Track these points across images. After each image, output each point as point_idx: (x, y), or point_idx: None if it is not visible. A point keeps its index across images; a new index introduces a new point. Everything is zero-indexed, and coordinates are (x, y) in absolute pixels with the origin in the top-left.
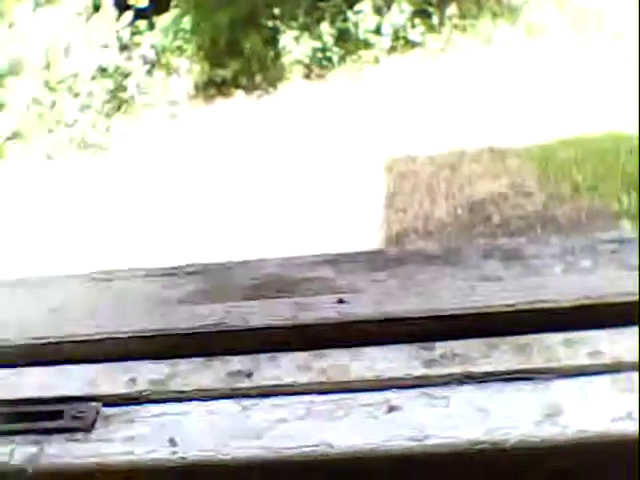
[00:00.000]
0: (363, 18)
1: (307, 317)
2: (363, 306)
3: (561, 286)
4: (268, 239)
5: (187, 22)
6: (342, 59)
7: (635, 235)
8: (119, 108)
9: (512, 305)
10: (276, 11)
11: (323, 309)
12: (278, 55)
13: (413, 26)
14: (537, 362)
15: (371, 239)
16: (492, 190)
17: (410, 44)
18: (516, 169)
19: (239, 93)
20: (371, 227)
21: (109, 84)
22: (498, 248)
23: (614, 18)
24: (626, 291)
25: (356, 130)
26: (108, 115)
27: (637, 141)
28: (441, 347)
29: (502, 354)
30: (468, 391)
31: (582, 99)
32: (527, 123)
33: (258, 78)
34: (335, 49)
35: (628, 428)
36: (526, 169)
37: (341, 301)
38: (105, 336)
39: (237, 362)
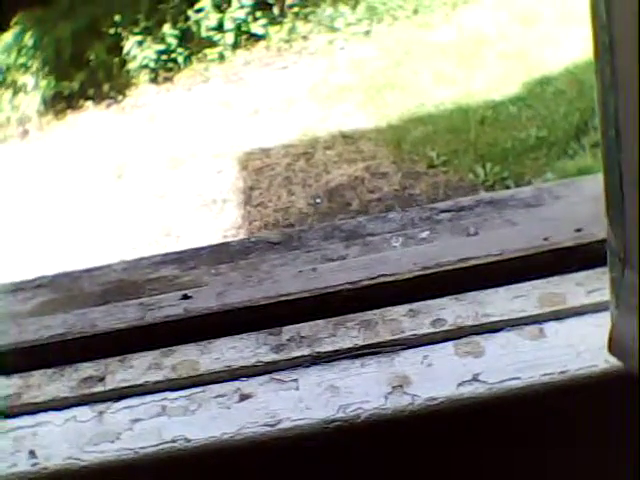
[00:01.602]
0: (204, 16)
1: (154, 316)
2: (207, 299)
3: (401, 259)
4: (125, 248)
5: (29, 38)
6: (187, 59)
7: (471, 201)
8: None
9: (354, 282)
10: (117, 18)
11: (169, 307)
12: (123, 62)
13: (255, 19)
14: (383, 336)
15: (233, 238)
16: (349, 175)
17: (254, 38)
18: (370, 152)
19: (88, 104)
20: (234, 226)
21: None
22: (338, 228)
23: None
24: (463, 257)
25: (206, 128)
26: None
27: (487, 111)
28: (288, 331)
29: (348, 331)
30: (317, 371)
31: (431, 75)
32: (380, 105)
33: (106, 87)
34: (179, 50)
35: (476, 390)
36: (380, 151)
37: (186, 297)
38: None
39: (88, 368)
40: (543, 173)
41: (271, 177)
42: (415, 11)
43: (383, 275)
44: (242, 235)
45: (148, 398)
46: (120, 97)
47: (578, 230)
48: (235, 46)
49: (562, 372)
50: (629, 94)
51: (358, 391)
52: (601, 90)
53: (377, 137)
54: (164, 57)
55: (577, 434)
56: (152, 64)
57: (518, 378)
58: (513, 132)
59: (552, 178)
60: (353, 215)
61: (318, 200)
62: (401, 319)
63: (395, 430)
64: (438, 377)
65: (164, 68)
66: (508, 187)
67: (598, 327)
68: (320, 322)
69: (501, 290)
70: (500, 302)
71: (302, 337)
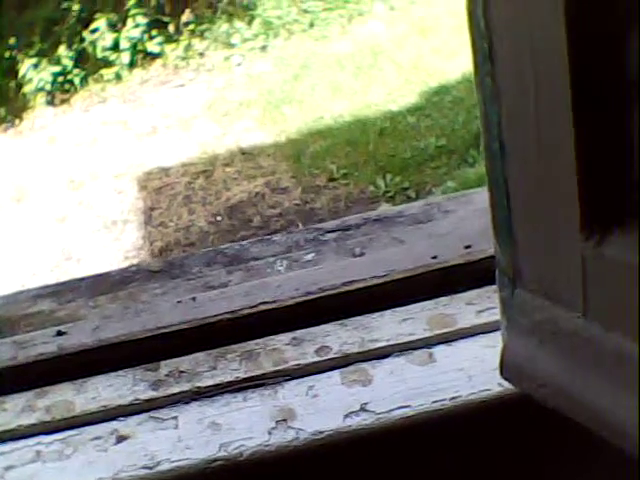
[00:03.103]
0: (100, 36)
1: (27, 355)
2: (83, 335)
3: (283, 284)
4: (25, 274)
5: None
6: (84, 80)
7: (359, 219)
8: None
9: (235, 311)
10: (11, 41)
11: (42, 344)
12: (19, 85)
13: (150, 38)
14: (265, 367)
15: (135, 259)
16: (249, 192)
17: (150, 56)
18: (270, 167)
19: None
20: (135, 247)
21: None
22: (222, 253)
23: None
24: (348, 280)
25: (105, 149)
26: None
27: (386, 122)
28: (166, 366)
29: (229, 364)
30: (197, 408)
31: (329, 88)
32: (279, 119)
33: (2, 111)
34: (75, 71)
35: (364, 421)
36: (280, 166)
37: (60, 333)
38: None
39: None
40: (444, 182)
41: (171, 196)
42: (311, 25)
43: (264, 303)
44: (143, 256)
45: (21, 443)
46: (17, 121)
47: (467, 247)
48: (131, 65)
49: (453, 398)
50: (512, 104)
51: (240, 427)
52: (482, 101)
53: (276, 152)
54: (60, 79)
55: (472, 463)
56: (48, 86)
57: (408, 406)
58: (412, 142)
59: (453, 186)
60: (255, 231)
61: (219, 218)
62: (284, 348)
63: (280, 467)
64: (324, 409)
65: (61, 90)
66: (409, 197)
67: (490, 348)
68: (200, 355)
69: (388, 313)
70: (387, 326)
71: (181, 372)
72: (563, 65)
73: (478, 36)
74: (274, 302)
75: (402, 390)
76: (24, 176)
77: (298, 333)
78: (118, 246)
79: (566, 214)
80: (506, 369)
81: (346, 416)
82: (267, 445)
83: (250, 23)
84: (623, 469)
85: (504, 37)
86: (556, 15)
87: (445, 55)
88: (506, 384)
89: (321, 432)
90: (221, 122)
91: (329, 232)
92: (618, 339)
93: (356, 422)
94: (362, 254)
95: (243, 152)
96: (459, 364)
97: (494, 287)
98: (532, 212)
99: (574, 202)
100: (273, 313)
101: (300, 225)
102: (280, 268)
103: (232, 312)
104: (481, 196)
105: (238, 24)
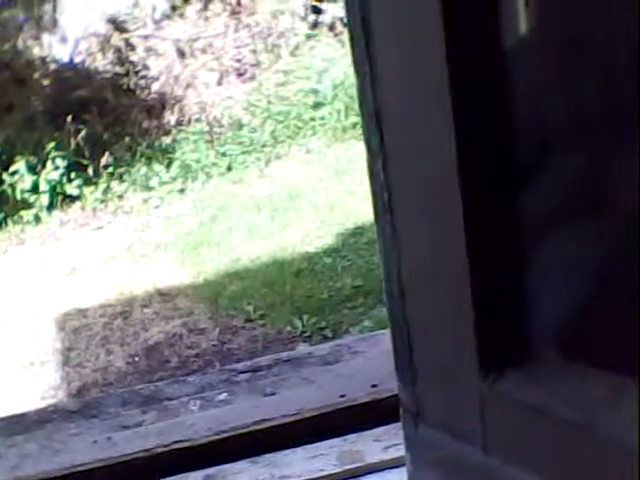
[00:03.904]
0: (19, 179)
1: None
2: (0, 474)
3: (196, 423)
4: None
5: None
6: (3, 222)
7: (270, 360)
8: None
9: (149, 450)
10: None
11: None
12: None
13: (70, 180)
14: None
15: (52, 400)
16: (166, 332)
17: (69, 199)
18: (187, 308)
19: None
20: (53, 387)
21: None
22: (137, 394)
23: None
24: (259, 419)
25: (23, 291)
26: None
27: (302, 263)
28: None
29: None
30: None
31: (246, 230)
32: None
33: None
34: None
35: None
36: (198, 307)
37: None
38: None
39: None
40: (360, 321)
41: (89, 337)
42: (229, 168)
43: (178, 441)
44: (60, 396)
45: None
46: None
47: (374, 386)
48: (50, 207)
49: None
50: (410, 251)
51: None
52: (383, 248)
53: (194, 293)
54: None
55: None
56: None
57: None
58: (329, 283)
59: (369, 325)
60: (172, 372)
61: (136, 358)
62: None
63: None
64: None
65: None
66: (326, 337)
67: None
68: None
69: (298, 450)
70: (297, 463)
71: None
72: (458, 216)
73: (379, 187)
74: (187, 441)
75: None
76: None
77: (211, 470)
78: (35, 387)
79: (464, 353)
80: None
81: None
82: None
83: (169, 166)
84: None
85: (402, 188)
86: (451, 173)
87: (359, 197)
88: None
89: None
90: (139, 263)
91: (242, 373)
92: (516, 473)
93: None
94: (273, 394)
95: (161, 293)
96: None
97: (400, 424)
98: (432, 351)
99: (472, 343)
100: (186, 451)
101: (217, 365)
102: (194, 408)
103: (146, 450)
104: (389, 336)
105: (157, 167)
